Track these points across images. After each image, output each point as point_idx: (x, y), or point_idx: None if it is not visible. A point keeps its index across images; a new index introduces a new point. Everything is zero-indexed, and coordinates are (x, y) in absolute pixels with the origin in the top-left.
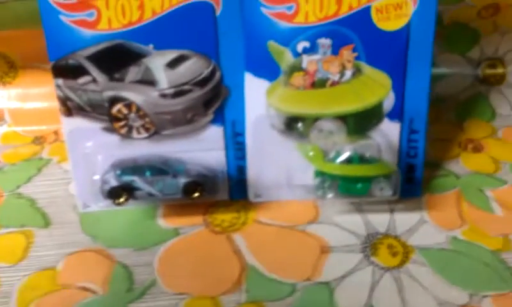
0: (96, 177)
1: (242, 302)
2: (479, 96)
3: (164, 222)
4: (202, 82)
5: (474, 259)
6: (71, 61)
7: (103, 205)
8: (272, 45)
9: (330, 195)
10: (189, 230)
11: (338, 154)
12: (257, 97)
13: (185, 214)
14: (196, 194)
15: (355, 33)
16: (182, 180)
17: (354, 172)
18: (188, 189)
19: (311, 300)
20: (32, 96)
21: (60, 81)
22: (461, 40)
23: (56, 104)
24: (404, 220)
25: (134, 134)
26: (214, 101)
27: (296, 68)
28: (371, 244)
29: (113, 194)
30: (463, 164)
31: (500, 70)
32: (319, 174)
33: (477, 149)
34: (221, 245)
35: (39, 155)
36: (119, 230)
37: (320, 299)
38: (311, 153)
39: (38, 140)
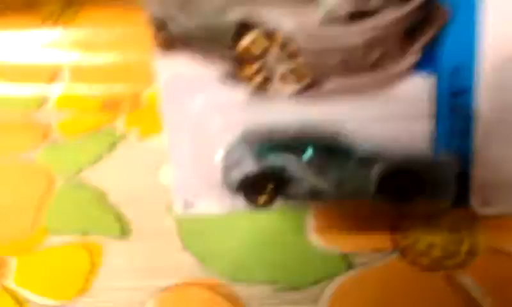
0: (218, 157)
1: None
2: None
3: (323, 242)
4: None
5: None
6: None
7: (223, 205)
8: None
9: None
10: (370, 259)
11: None
12: (505, 24)
13: None
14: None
15: None
16: (376, 169)
17: None
18: (389, 185)
19: None
20: (100, 44)
21: None
22: None
23: (133, 56)
24: None
25: (276, 86)
26: (421, 30)
27: None
28: None
29: (252, 186)
30: None
31: None
32: None
33: None
34: (438, 290)
35: (110, 127)
36: (245, 251)
37: None
38: None
39: (109, 106)
